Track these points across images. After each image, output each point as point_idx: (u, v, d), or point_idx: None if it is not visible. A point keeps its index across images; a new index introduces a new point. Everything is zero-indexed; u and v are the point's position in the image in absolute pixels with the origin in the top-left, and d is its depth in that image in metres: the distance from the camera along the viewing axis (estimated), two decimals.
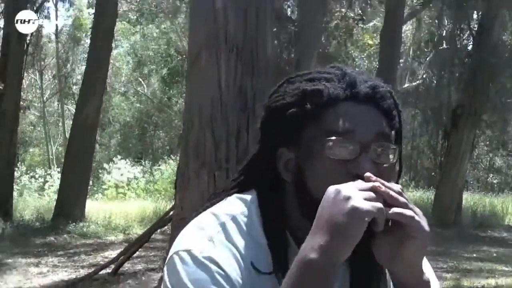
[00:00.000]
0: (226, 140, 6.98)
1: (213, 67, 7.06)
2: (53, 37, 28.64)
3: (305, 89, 1.15)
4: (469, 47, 19.61)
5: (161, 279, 5.69)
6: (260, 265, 1.13)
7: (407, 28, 23.97)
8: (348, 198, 1.00)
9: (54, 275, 7.97)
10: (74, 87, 27.23)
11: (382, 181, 1.05)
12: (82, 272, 8.07)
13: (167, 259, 1.14)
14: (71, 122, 15.83)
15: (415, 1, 20.20)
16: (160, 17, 25.82)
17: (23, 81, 15.39)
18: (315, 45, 13.37)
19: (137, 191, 19.73)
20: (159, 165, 22.16)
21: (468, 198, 18.57)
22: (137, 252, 8.13)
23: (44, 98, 29.47)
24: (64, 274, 8.05)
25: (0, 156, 13.01)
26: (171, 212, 7.70)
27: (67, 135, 18.79)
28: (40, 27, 17.43)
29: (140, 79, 29.82)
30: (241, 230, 1.16)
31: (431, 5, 19.17)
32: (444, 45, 20.22)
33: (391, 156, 1.14)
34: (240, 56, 7.14)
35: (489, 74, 15.65)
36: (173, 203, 11.29)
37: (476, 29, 17.42)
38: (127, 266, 8.00)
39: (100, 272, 7.51)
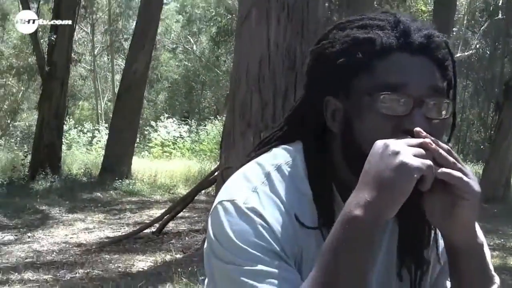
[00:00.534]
0: (273, 100, 6.87)
1: (263, 25, 6.92)
2: None
3: (356, 37, 1.10)
4: None
5: (204, 240, 5.65)
6: (305, 218, 1.11)
7: None
8: (396, 153, 0.97)
9: (99, 231, 8.05)
10: (125, 43, 27.30)
11: (432, 138, 1.01)
12: (127, 230, 8.12)
13: (212, 208, 1.13)
14: (120, 77, 15.87)
15: None
16: None
17: (75, 33, 15.38)
18: (367, 9, 12.98)
19: (183, 151, 19.81)
20: (205, 125, 22.19)
21: None
22: (181, 213, 8.13)
23: (95, 52, 29.70)
24: (109, 231, 8.11)
25: (50, 108, 13.12)
26: (216, 173, 7.63)
27: (116, 91, 18.87)
28: None
29: (189, 37, 29.76)
30: (286, 181, 1.13)
31: None
32: (500, 15, 19.62)
33: (443, 111, 1.09)
34: (290, 16, 6.97)
35: None
36: (218, 163, 11.29)
37: None
38: (171, 225, 8.01)
39: (145, 231, 7.54)
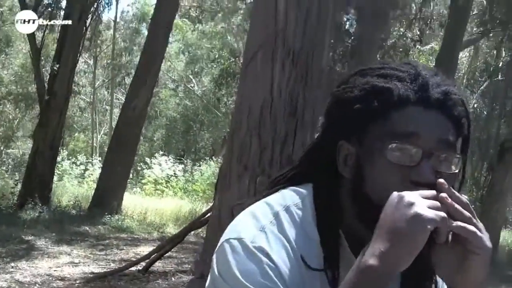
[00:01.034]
0: (271, 145, 6.81)
1: (268, 69, 6.91)
2: (112, 24, 28.93)
3: (375, 85, 1.11)
4: None
5: (191, 282, 5.50)
6: (311, 260, 1.11)
7: (464, 55, 23.78)
8: (411, 205, 0.98)
9: (84, 266, 7.88)
10: (127, 78, 27.41)
11: (453, 190, 1.02)
12: (113, 266, 7.96)
13: (218, 246, 1.13)
14: (119, 112, 15.84)
15: (475, 29, 19.97)
16: (219, 16, 25.88)
17: (77, 65, 15.41)
18: (369, 61, 13.15)
19: (175, 190, 19.69)
20: (199, 165, 22.10)
21: (506, 236, 18.17)
22: (169, 252, 7.99)
23: (96, 85, 29.76)
24: (94, 266, 7.95)
25: (46, 138, 13.03)
26: (208, 214, 7.52)
27: (113, 125, 18.83)
28: (100, 12, 17.44)
29: (191, 77, 29.93)
30: (294, 222, 1.13)
31: (490, 34, 18.94)
32: (499, 77, 19.90)
33: (453, 166, 1.10)
34: (295, 62, 6.97)
35: None
36: (211, 205, 11.17)
37: None
38: (158, 265, 7.85)
39: (131, 268, 7.38)
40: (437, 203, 0.99)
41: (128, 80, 25.65)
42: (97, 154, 25.96)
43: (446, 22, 16.25)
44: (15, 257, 7.90)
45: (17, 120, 26.24)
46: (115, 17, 29.10)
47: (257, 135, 6.80)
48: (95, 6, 14.75)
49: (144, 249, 9.32)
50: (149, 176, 20.18)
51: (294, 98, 6.91)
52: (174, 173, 20.58)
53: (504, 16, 16.05)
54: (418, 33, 17.26)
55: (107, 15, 34.79)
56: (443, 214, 0.97)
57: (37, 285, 6.51)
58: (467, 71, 24.51)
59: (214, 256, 1.12)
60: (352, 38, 13.65)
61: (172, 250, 8.10)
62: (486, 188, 16.03)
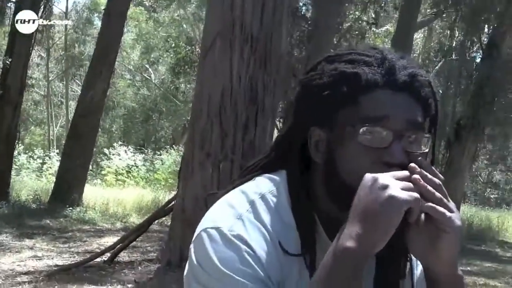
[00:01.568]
0: (233, 131, 6.86)
1: (226, 56, 6.93)
2: (63, 15, 28.39)
3: (343, 71, 1.14)
4: (478, 60, 19.64)
5: (158, 270, 5.52)
6: (288, 245, 1.13)
7: (418, 36, 24.12)
8: (385, 187, 1.00)
9: (48, 259, 7.81)
10: (81, 69, 27.01)
11: (424, 172, 1.04)
12: (77, 258, 7.91)
13: (195, 236, 1.14)
14: (75, 104, 15.63)
15: (428, 10, 20.24)
16: (174, 5, 25.67)
17: (30, 58, 15.14)
18: (326, 45, 13.32)
19: (137, 179, 19.57)
20: (160, 154, 22.00)
21: (465, 211, 18.51)
22: (134, 242, 7.97)
23: (50, 78, 29.27)
24: (58, 259, 7.89)
25: (1, 132, 12.81)
26: (172, 203, 7.53)
27: (70, 117, 18.58)
28: (51, 4, 17.13)
29: (147, 66, 29.67)
30: (270, 209, 1.15)
31: (444, 15, 19.25)
32: (453, 56, 20.27)
33: (422, 146, 1.14)
34: (254, 48, 7.01)
35: (495, 88, 15.67)
36: (174, 193, 11.15)
37: (486, 43, 17.48)
38: (123, 255, 7.83)
39: (96, 260, 7.35)
40: (410, 184, 1.02)
41: (83, 72, 25.29)
42: (55, 147, 25.59)
43: (400, 5, 16.44)
44: None
45: None
46: (66, 8, 28.60)
47: (218, 122, 6.83)
48: None
49: (108, 240, 9.27)
50: (109, 167, 20.00)
51: (254, 84, 6.95)
52: (135, 163, 20.45)
53: None
54: (373, 16, 17.41)
55: (59, 6, 34.05)
56: (416, 195, 1.00)
57: (0, 280, 6.44)
58: (422, 51, 24.86)
59: (192, 246, 1.13)
60: (309, 22, 13.71)
61: (137, 239, 8.09)
62: (445, 165, 16.33)
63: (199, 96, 7.16)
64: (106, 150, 21.41)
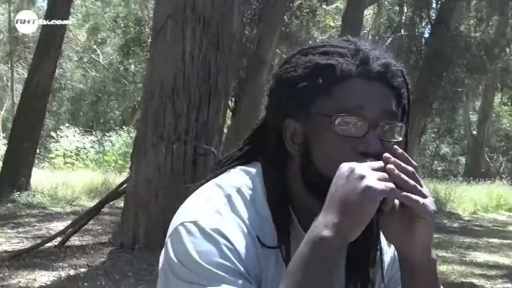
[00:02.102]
0: (186, 113, 6.81)
1: (179, 38, 6.86)
2: None
3: (317, 63, 1.15)
4: (426, 36, 20.02)
5: (111, 253, 5.43)
6: (265, 238, 1.14)
7: (368, 13, 24.33)
8: (362, 177, 1.01)
9: None
10: (27, 50, 26.32)
11: (399, 162, 1.06)
12: (27, 244, 7.74)
13: (171, 230, 1.13)
14: (21, 87, 15.26)
15: None
16: None
17: None
18: (278, 24, 13.35)
19: (86, 162, 19.28)
20: (110, 136, 21.70)
21: None
22: (85, 225, 7.84)
23: None
24: (7, 245, 7.71)
25: None
26: (125, 185, 7.44)
27: (16, 100, 18.13)
28: None
29: (95, 47, 29.14)
30: (246, 203, 1.16)
31: None
32: (403, 32, 20.59)
33: (396, 134, 1.16)
34: (206, 29, 6.95)
35: (443, 63, 16.01)
36: (125, 175, 11.03)
37: (434, 18, 17.81)
38: (74, 239, 7.71)
39: (46, 245, 7.21)
40: (385, 175, 1.03)
41: (28, 54, 24.66)
42: (0, 131, 24.97)
43: None
44: None
45: None
46: None
47: (171, 104, 6.77)
48: None
49: (58, 224, 9.11)
50: (57, 150, 19.63)
51: (206, 64, 6.90)
52: (84, 146, 20.13)
53: None
54: None
55: None
56: (391, 185, 1.02)
57: None
58: (372, 27, 25.17)
59: (168, 240, 1.13)
60: (260, 1, 13.68)
61: (88, 223, 7.96)
62: None
63: (151, 78, 7.07)
64: (53, 133, 20.99)
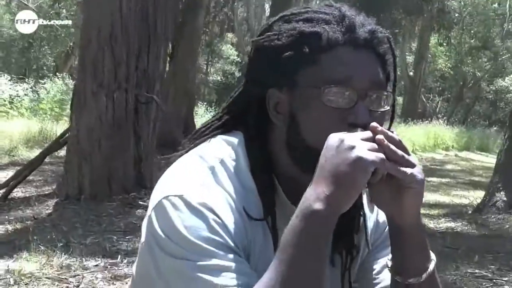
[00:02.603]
0: (126, 60, 6.71)
1: None
2: None
3: (302, 31, 1.12)
4: None
5: (56, 204, 5.39)
6: (251, 210, 1.12)
7: None
8: (352, 148, 1.00)
9: None
10: None
11: (386, 131, 1.05)
12: None
13: (155, 202, 1.11)
14: None
15: None
16: None
17: None
18: None
19: (21, 110, 18.76)
20: (44, 83, 21.12)
21: None
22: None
23: None
24: None
25: None
26: (67, 135, 7.34)
27: None
28: None
29: None
30: (230, 174, 1.14)
31: None
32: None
33: (383, 103, 1.14)
34: None
35: (379, 5, 16.20)
36: (62, 123, 10.82)
37: None
38: (17, 191, 7.59)
39: None
40: (375, 145, 1.02)
41: None
42: None
43: None
44: None
45: None
46: None
47: (110, 51, 6.65)
48: None
49: None
50: None
51: (144, 11, 6.78)
52: (17, 94, 19.55)
53: None
54: None
55: None
56: (382, 155, 1.01)
57: None
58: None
59: (153, 214, 1.10)
60: None
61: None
62: None
63: (87, 24, 6.91)
64: None
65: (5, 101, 18.78)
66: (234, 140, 1.19)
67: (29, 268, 4.43)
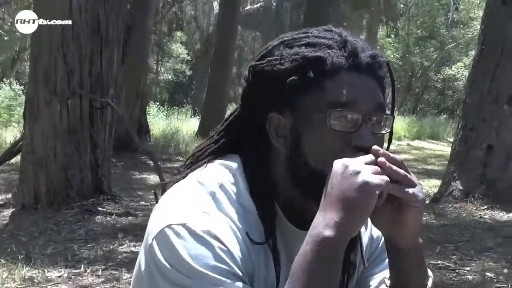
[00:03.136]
0: (79, 66, 6.61)
1: None
2: None
3: (305, 56, 1.12)
4: None
5: (13, 215, 5.25)
6: (253, 234, 1.12)
7: None
8: (357, 173, 1.01)
9: None
10: None
11: (387, 153, 1.07)
12: None
13: (156, 231, 1.09)
14: None
15: None
16: None
17: None
18: None
19: None
20: None
21: None
22: None
23: None
24: None
25: None
26: (20, 143, 7.19)
27: None
28: None
29: None
30: (231, 199, 1.13)
31: None
32: None
33: (383, 125, 1.16)
34: None
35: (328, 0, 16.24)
36: (11, 129, 10.59)
37: None
38: None
39: None
40: (379, 168, 1.03)
41: None
42: None
43: None
44: None
45: None
46: None
47: (61, 58, 6.53)
48: None
49: None
50: None
51: (95, 14, 6.68)
52: None
53: None
54: None
55: None
56: (386, 178, 1.02)
57: None
58: None
59: (154, 243, 1.08)
60: None
61: None
62: None
63: (38, 31, 6.76)
64: None
65: None
66: (232, 164, 1.18)
67: None
